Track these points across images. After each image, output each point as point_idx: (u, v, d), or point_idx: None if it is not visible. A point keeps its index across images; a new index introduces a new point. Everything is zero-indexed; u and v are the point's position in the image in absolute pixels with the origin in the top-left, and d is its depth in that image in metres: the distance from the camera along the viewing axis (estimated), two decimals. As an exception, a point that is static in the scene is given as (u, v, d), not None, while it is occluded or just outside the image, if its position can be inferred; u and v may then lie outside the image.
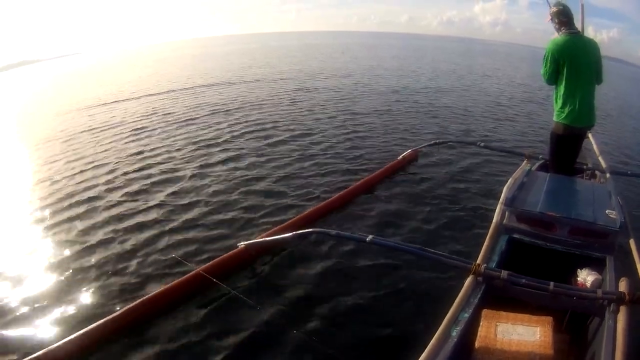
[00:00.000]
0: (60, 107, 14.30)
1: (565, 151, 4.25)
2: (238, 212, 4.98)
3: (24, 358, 2.71)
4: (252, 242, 3.84)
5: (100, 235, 4.59)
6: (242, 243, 3.87)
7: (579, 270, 2.72)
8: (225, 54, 38.22)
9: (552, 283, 2.33)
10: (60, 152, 8.47)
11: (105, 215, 5.10)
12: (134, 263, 3.99)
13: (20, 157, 8.74)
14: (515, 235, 3.07)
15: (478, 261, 2.63)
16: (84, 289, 3.62)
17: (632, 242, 2.95)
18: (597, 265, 2.74)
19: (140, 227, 4.74)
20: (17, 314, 3.32)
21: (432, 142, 6.98)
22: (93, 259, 4.10)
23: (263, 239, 3.88)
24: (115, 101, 14.60)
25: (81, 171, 6.95)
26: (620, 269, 2.66)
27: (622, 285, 2.34)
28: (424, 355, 1.89)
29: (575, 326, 2.64)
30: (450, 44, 66.74)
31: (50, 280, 3.78)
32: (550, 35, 4.19)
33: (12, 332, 3.12)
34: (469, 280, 2.47)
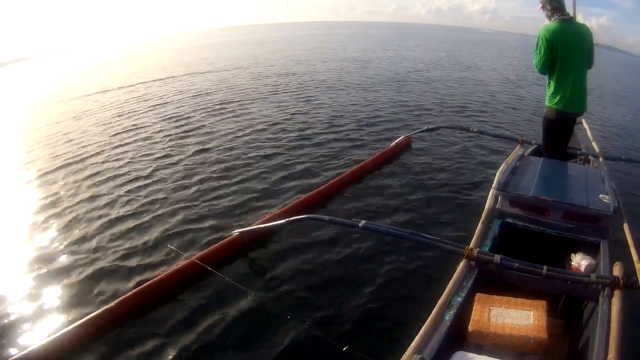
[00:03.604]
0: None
1: (557, 136, 4.25)
2: (232, 199, 4.96)
3: (18, 353, 2.71)
4: (247, 229, 3.84)
5: (91, 225, 4.56)
6: (236, 230, 3.87)
7: (572, 254, 2.73)
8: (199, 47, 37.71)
9: (545, 267, 2.33)
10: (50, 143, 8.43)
11: (96, 204, 5.08)
12: (127, 253, 3.97)
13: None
14: (509, 220, 3.07)
15: (471, 245, 2.63)
16: (77, 280, 3.60)
17: (625, 227, 2.96)
18: (591, 249, 2.74)
19: (133, 216, 4.71)
20: (7, 308, 3.30)
21: (425, 128, 6.94)
22: (85, 250, 4.07)
23: (257, 226, 3.88)
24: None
25: (73, 160, 6.96)
26: (614, 254, 2.67)
27: (616, 270, 2.35)
28: (417, 338, 1.89)
29: (569, 311, 2.65)
30: (440, 33, 66.25)
31: (43, 272, 3.75)
32: (539, 23, 4.17)
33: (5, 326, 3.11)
34: (462, 265, 2.47)
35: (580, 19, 4.29)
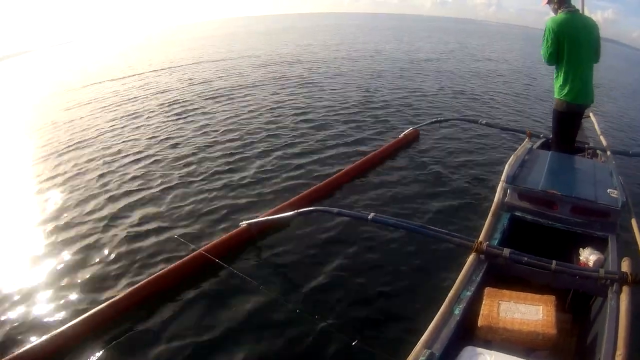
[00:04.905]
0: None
1: (567, 128, 4.26)
2: (240, 190, 4.97)
3: (27, 346, 2.73)
4: (255, 221, 3.84)
5: (98, 217, 4.57)
6: (244, 222, 3.87)
7: (581, 249, 2.73)
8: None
9: (554, 262, 2.33)
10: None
11: (103, 196, 5.08)
12: (134, 245, 3.98)
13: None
14: (517, 213, 3.07)
15: (480, 239, 2.62)
16: (85, 272, 3.61)
17: (634, 222, 2.95)
18: (599, 244, 2.74)
19: (140, 207, 4.72)
20: (14, 300, 3.33)
21: (433, 120, 6.93)
22: (92, 242, 4.08)
23: (265, 217, 3.88)
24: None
25: (81, 147, 7.03)
26: (622, 249, 2.67)
27: (625, 266, 2.34)
28: (426, 333, 1.90)
29: (578, 306, 2.65)
30: (445, 24, 65.71)
31: (48, 264, 3.77)
32: (544, 16, 4.16)
33: (14, 318, 3.13)
34: (471, 258, 2.47)
35: (586, 12, 4.28)
